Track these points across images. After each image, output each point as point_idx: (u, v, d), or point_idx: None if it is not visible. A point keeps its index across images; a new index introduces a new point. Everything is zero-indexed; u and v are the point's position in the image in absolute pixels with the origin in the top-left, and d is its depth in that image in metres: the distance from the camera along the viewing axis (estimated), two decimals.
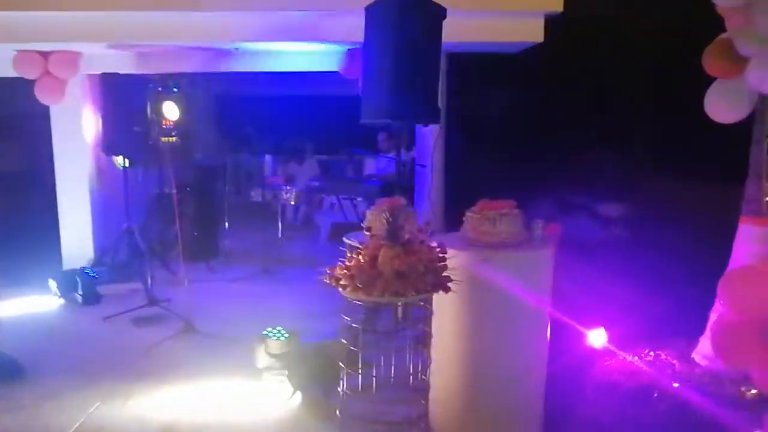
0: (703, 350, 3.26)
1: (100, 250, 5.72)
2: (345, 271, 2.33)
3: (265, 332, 3.23)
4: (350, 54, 5.09)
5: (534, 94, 6.95)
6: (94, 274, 5.12)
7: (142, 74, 5.53)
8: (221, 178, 6.85)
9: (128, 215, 5.55)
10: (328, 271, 2.39)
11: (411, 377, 2.39)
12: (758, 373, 2.56)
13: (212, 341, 3.93)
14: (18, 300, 4.86)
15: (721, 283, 3.14)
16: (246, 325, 4.22)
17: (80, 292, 4.92)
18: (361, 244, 2.48)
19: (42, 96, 5.31)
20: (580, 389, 3.04)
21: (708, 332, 3.21)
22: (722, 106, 3.31)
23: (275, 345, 3.17)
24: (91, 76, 5.64)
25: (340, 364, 2.43)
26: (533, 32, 4.93)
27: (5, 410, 3.07)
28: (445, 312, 2.50)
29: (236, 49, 5.39)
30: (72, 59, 5.29)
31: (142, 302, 4.57)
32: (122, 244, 5.56)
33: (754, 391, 2.84)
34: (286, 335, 3.12)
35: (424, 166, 4.88)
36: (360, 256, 2.39)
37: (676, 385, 3.00)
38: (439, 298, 2.35)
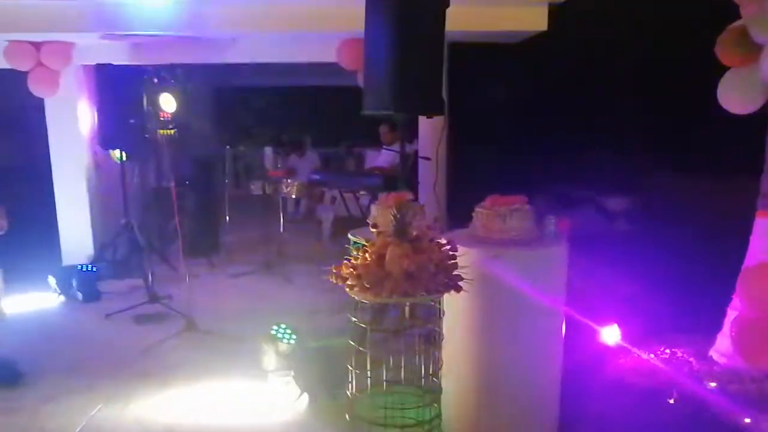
0: (722, 347, 3.17)
1: (100, 245, 5.63)
2: (352, 270, 2.24)
3: (272, 332, 3.13)
4: (349, 44, 4.97)
5: (537, 85, 6.85)
6: (94, 271, 5.03)
7: (138, 65, 5.41)
8: (220, 171, 6.74)
9: (127, 210, 5.46)
10: (334, 270, 2.29)
11: (422, 378, 2.31)
12: None
13: (214, 340, 3.85)
14: (17, 297, 4.77)
15: (741, 279, 3.06)
16: (249, 322, 4.14)
17: (80, 289, 4.83)
18: (367, 241, 2.38)
19: (35, 88, 5.21)
20: (595, 388, 2.96)
21: (726, 329, 3.13)
22: (736, 96, 3.21)
23: (282, 346, 3.08)
24: (86, 67, 5.52)
25: (348, 366, 2.35)
26: (536, 21, 4.81)
27: (4, 414, 2.99)
28: (456, 312, 2.41)
29: (233, 39, 5.27)
30: (65, 50, 5.18)
31: (142, 299, 4.49)
32: (121, 240, 5.47)
33: None
34: (294, 336, 3.02)
35: (428, 159, 4.76)
36: (367, 255, 2.30)
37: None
38: (449, 298, 2.26)
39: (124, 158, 5.36)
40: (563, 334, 2.62)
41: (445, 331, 2.28)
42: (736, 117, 3.25)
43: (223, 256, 6.05)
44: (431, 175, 5.08)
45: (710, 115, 4.07)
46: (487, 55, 6.02)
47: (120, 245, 5.51)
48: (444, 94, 3.43)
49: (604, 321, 3.43)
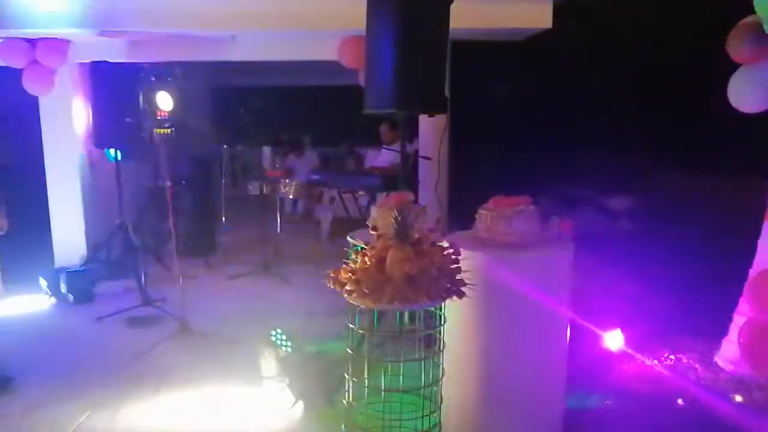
0: (727, 354, 3.09)
1: (94, 246, 5.53)
2: (350, 274, 2.15)
3: (271, 336, 3.04)
4: (350, 42, 4.88)
5: (539, 84, 6.77)
6: (87, 272, 4.94)
7: (135, 63, 5.32)
8: (218, 170, 6.65)
9: (121, 210, 5.36)
10: (331, 275, 2.20)
11: (422, 386, 2.22)
12: None
13: (209, 343, 3.75)
14: (8, 300, 4.68)
15: (751, 284, 2.97)
16: (244, 325, 4.07)
17: (72, 291, 4.74)
18: (366, 244, 2.29)
19: (30, 86, 5.11)
20: (598, 395, 2.88)
21: (733, 335, 3.04)
22: (747, 94, 3.13)
23: (280, 351, 2.99)
24: (81, 64, 5.43)
25: (345, 374, 2.26)
26: (541, 18, 4.73)
27: None
28: (458, 317, 2.32)
29: (233, 37, 5.18)
30: (60, 47, 5.08)
31: (136, 301, 4.40)
32: (116, 240, 5.38)
33: None
34: (288, 343, 2.93)
35: (429, 159, 4.68)
36: (366, 258, 2.21)
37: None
38: (451, 303, 2.17)
39: (120, 157, 5.27)
40: (568, 340, 2.53)
41: (446, 338, 2.19)
42: (742, 116, 3.18)
43: (219, 257, 5.96)
44: (432, 175, 5.00)
45: (715, 114, 3.99)
46: (488, 53, 5.94)
47: (114, 246, 5.42)
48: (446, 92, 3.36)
49: (606, 323, 3.35)
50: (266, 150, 6.79)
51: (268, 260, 5.49)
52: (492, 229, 2.37)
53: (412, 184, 4.41)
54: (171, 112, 5.59)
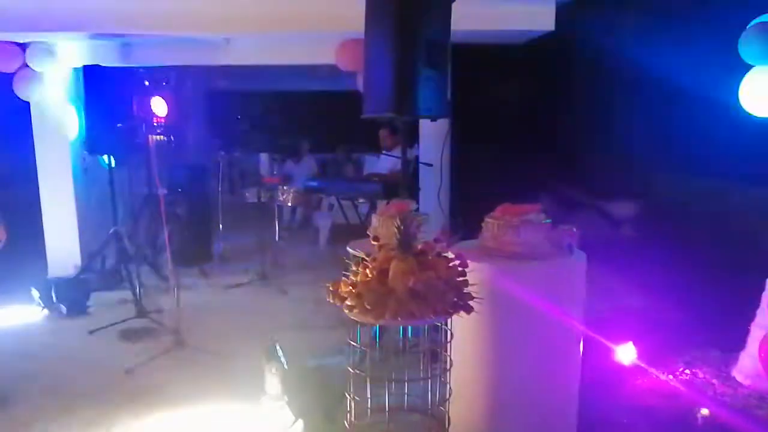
0: (745, 368, 2.96)
1: (88, 255, 5.39)
2: (351, 288, 2.02)
3: (269, 351, 2.89)
4: (348, 45, 4.77)
5: (541, 88, 6.65)
6: (80, 283, 4.80)
7: (128, 67, 5.21)
8: (214, 177, 6.52)
9: (116, 218, 5.23)
10: (331, 288, 2.07)
11: (428, 404, 2.10)
12: None
13: (204, 358, 3.61)
14: None
15: None
16: (240, 338, 3.93)
17: (64, 303, 4.60)
18: (368, 255, 2.17)
19: (20, 90, 4.99)
20: (611, 412, 2.75)
21: (751, 348, 2.91)
22: (760, 96, 3.02)
23: (278, 367, 2.85)
24: (74, 69, 5.31)
25: (346, 393, 2.13)
26: (544, 20, 4.63)
27: None
28: (465, 333, 2.19)
29: (227, 40, 5.07)
30: (52, 51, 4.97)
31: (130, 313, 4.27)
32: (110, 249, 5.25)
33: None
34: (287, 360, 2.79)
35: (430, 165, 4.56)
36: (367, 270, 2.08)
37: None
38: (458, 318, 2.04)
39: (114, 164, 5.15)
40: (581, 356, 2.41)
41: (453, 355, 2.07)
42: (753, 118, 3.07)
43: (216, 266, 5.83)
44: (433, 182, 4.89)
45: (724, 117, 3.86)
46: (489, 57, 5.83)
47: (108, 255, 5.29)
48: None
49: (617, 336, 3.22)
50: (263, 156, 6.66)
51: (266, 269, 5.36)
52: (499, 238, 2.24)
53: (413, 191, 4.29)
54: (166, 118, 5.48)
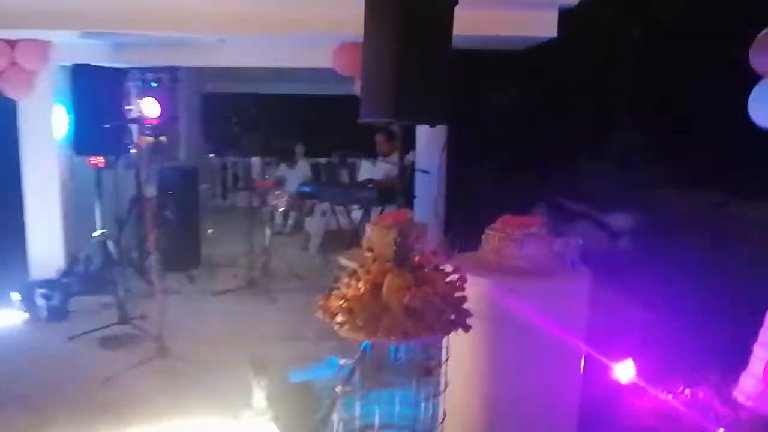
0: (747, 389, 2.85)
1: (71, 258, 5.24)
2: (342, 302, 1.90)
3: (260, 363, 2.77)
4: (346, 48, 4.67)
5: (539, 95, 6.58)
6: (62, 286, 4.64)
7: (120, 67, 5.07)
8: (205, 181, 6.39)
9: (102, 221, 5.10)
10: (321, 302, 1.95)
11: (421, 422, 1.97)
12: None
13: (186, 369, 3.47)
14: None
15: None
16: (225, 349, 3.80)
17: (45, 307, 4.45)
18: (361, 266, 2.05)
19: (8, 89, 4.84)
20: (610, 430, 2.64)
21: (754, 369, 2.81)
22: None
23: (263, 380, 2.73)
24: (64, 67, 5.17)
25: (334, 409, 2.01)
26: (546, 26, 4.55)
27: None
28: (461, 351, 2.07)
29: (221, 40, 4.95)
30: (41, 49, 4.83)
31: (112, 319, 4.12)
32: (95, 253, 5.10)
33: None
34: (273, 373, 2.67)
35: (426, 172, 4.45)
36: (360, 283, 1.96)
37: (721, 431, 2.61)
38: (454, 336, 1.92)
39: (102, 165, 5.02)
40: (581, 376, 2.29)
41: (449, 376, 1.95)
42: (756, 129, 2.99)
43: (204, 271, 5.68)
44: (428, 189, 4.79)
45: (727, 129, 3.78)
46: (487, 63, 5.75)
47: (93, 258, 5.14)
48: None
49: (611, 352, 3.11)
50: (256, 160, 6.52)
51: (255, 276, 5.22)
52: (500, 252, 2.13)
53: (408, 198, 4.18)
54: (157, 120, 5.34)
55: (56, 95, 5.15)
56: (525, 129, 6.32)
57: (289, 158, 8.24)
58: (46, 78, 5.02)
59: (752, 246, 3.77)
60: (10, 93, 4.89)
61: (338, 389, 2.00)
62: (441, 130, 4.83)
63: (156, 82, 5.29)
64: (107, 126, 4.49)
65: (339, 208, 5.61)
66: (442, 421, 1.94)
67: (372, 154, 5.81)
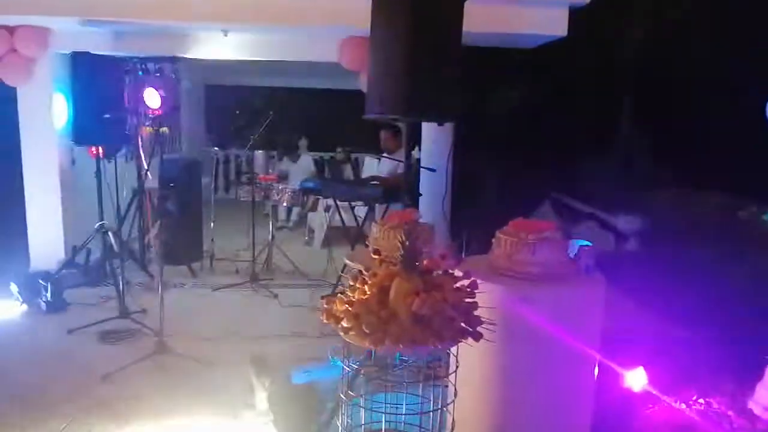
0: (763, 399, 2.78)
1: (72, 250, 5.17)
2: (347, 307, 1.82)
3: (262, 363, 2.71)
4: (353, 42, 4.58)
5: (546, 94, 6.48)
6: (61, 278, 4.58)
7: (121, 56, 4.99)
8: (207, 173, 6.31)
9: (103, 212, 5.03)
10: (325, 305, 1.88)
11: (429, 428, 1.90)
12: None
13: (185, 366, 3.40)
14: None
15: None
16: (226, 346, 3.74)
17: (44, 299, 4.38)
18: (367, 269, 1.97)
19: (7, 76, 4.77)
20: None
21: None
22: None
23: (264, 381, 2.66)
24: (63, 56, 5.09)
25: (336, 413, 1.94)
26: (556, 25, 4.45)
27: None
28: (471, 360, 1.99)
29: (225, 32, 4.86)
30: (41, 35, 4.76)
31: (112, 312, 4.06)
32: (95, 244, 5.04)
33: None
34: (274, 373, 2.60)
35: (433, 170, 4.37)
36: (365, 287, 1.89)
37: None
38: (463, 345, 1.85)
39: (102, 156, 4.94)
40: (595, 386, 2.22)
41: (458, 385, 1.87)
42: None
43: (206, 265, 5.61)
44: (434, 187, 4.70)
45: (739, 129, 3.69)
46: (495, 61, 5.66)
47: (94, 250, 5.08)
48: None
49: (622, 359, 3.03)
50: (259, 154, 6.45)
51: (257, 271, 5.15)
52: (513, 257, 2.05)
53: (414, 197, 4.09)
54: (159, 110, 5.25)
55: (56, 84, 5.07)
56: (530, 128, 6.24)
57: (292, 152, 8.17)
58: (45, 66, 4.94)
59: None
60: (9, 80, 4.81)
61: (342, 394, 1.93)
62: (448, 127, 4.74)
63: (158, 73, 5.21)
64: (107, 116, 4.41)
65: (343, 204, 5.53)
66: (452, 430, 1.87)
67: (376, 151, 5.72)
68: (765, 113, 3.03)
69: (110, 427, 2.76)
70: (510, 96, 6.36)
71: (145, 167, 4.86)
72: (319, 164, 8.50)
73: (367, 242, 2.54)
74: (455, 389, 1.85)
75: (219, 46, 5.05)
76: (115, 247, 4.91)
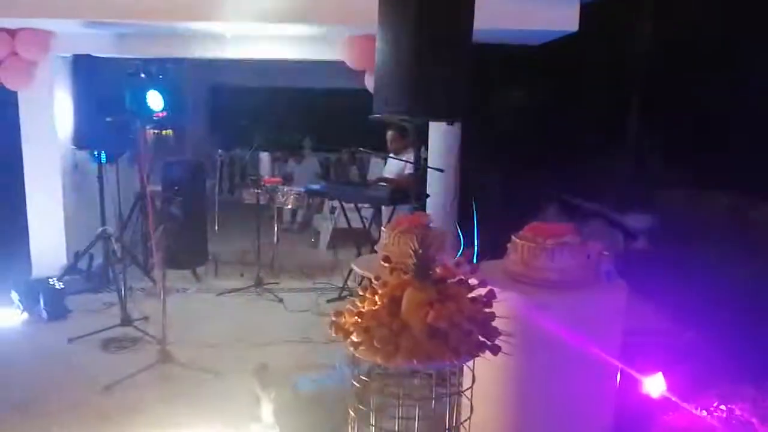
0: None
1: (74, 256, 5.10)
2: (357, 319, 1.73)
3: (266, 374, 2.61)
4: (359, 41, 4.48)
5: (553, 91, 6.37)
6: (63, 285, 4.50)
7: (124, 58, 4.91)
8: (211, 176, 6.22)
9: (105, 217, 4.95)
10: (333, 318, 1.78)
11: None
12: None
13: (189, 376, 3.31)
14: None
15: None
16: (230, 354, 3.65)
17: (46, 306, 4.31)
18: (377, 278, 1.87)
19: (8, 80, 4.71)
20: None
21: None
22: None
23: (270, 392, 2.57)
24: (65, 58, 5.02)
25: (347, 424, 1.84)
26: (567, 20, 4.34)
27: None
28: (486, 372, 1.89)
29: (229, 33, 4.77)
30: (43, 38, 4.69)
31: (114, 320, 3.98)
32: (97, 250, 4.96)
33: None
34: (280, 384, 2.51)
35: (441, 171, 4.27)
36: (375, 296, 1.79)
37: None
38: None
39: (105, 160, 4.87)
40: (615, 397, 2.11)
41: (473, 400, 1.77)
42: None
43: (210, 270, 5.53)
44: (443, 188, 4.61)
45: (750, 125, 3.59)
46: (502, 58, 5.56)
47: (96, 256, 5.00)
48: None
49: (638, 364, 2.92)
50: (264, 155, 6.36)
51: (262, 275, 5.06)
52: (530, 263, 1.94)
53: (421, 198, 3.99)
54: (162, 113, 5.18)
55: (58, 87, 4.99)
56: (537, 127, 6.13)
57: (297, 152, 8.08)
58: (46, 69, 4.87)
59: None
60: (10, 83, 4.75)
61: (351, 409, 1.83)
62: (455, 126, 4.64)
63: (161, 75, 5.12)
64: (109, 119, 4.33)
65: (348, 205, 5.44)
66: None
67: (382, 150, 5.62)
68: None
69: None
70: (516, 94, 6.26)
71: (148, 171, 4.78)
72: (324, 165, 8.41)
73: (375, 247, 2.44)
74: (471, 405, 1.75)
75: (222, 46, 4.97)
76: (118, 253, 4.84)
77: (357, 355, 1.66)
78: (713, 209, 4.46)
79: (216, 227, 5.76)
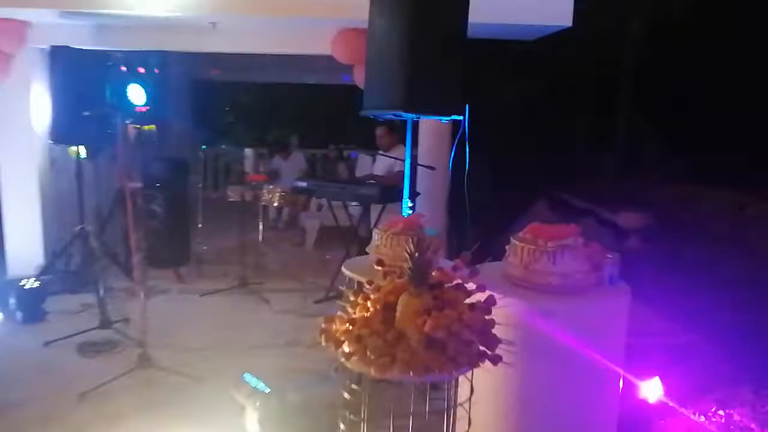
0: None
1: (51, 255, 4.92)
2: (348, 326, 1.62)
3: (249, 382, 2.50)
4: (348, 34, 4.36)
5: (546, 88, 6.31)
6: (39, 286, 4.33)
7: (102, 50, 4.73)
8: (195, 173, 6.06)
9: (83, 215, 4.77)
10: (323, 325, 1.67)
11: None
12: None
13: (169, 382, 3.16)
14: None
15: None
16: (213, 358, 3.51)
17: (20, 308, 4.14)
18: (369, 282, 1.77)
19: None
20: None
21: None
22: None
23: (255, 400, 2.45)
24: (42, 50, 4.83)
25: None
26: (561, 15, 4.25)
27: None
28: (485, 382, 1.79)
29: (214, 24, 4.62)
30: (18, 29, 4.49)
31: (92, 322, 3.83)
32: (75, 248, 4.79)
33: None
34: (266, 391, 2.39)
35: (432, 168, 4.17)
36: (368, 302, 1.68)
37: None
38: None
39: (83, 155, 4.69)
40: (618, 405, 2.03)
41: (471, 412, 1.67)
42: None
43: (193, 269, 5.38)
44: (433, 186, 4.51)
45: (742, 122, 3.54)
46: (494, 53, 5.48)
47: (74, 255, 4.83)
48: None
49: (635, 368, 2.85)
50: (249, 151, 6.22)
51: (247, 275, 4.93)
52: (530, 266, 1.85)
53: (412, 197, 3.88)
54: (144, 107, 5.01)
55: (34, 80, 4.80)
56: (527, 123, 6.07)
57: (284, 149, 7.93)
58: (22, 61, 4.68)
59: None
60: None
61: (340, 417, 1.73)
62: (447, 123, 4.53)
63: (142, 67, 4.95)
64: (88, 113, 4.16)
65: (336, 202, 5.32)
66: None
67: (371, 148, 5.51)
68: None
69: None
70: (506, 89, 6.18)
71: (129, 167, 4.61)
72: (311, 162, 8.27)
73: (366, 249, 2.33)
74: (469, 418, 1.65)
75: (207, 38, 4.81)
76: (97, 252, 4.67)
77: (349, 366, 1.55)
78: (710, 207, 4.43)
79: (199, 225, 5.61)
